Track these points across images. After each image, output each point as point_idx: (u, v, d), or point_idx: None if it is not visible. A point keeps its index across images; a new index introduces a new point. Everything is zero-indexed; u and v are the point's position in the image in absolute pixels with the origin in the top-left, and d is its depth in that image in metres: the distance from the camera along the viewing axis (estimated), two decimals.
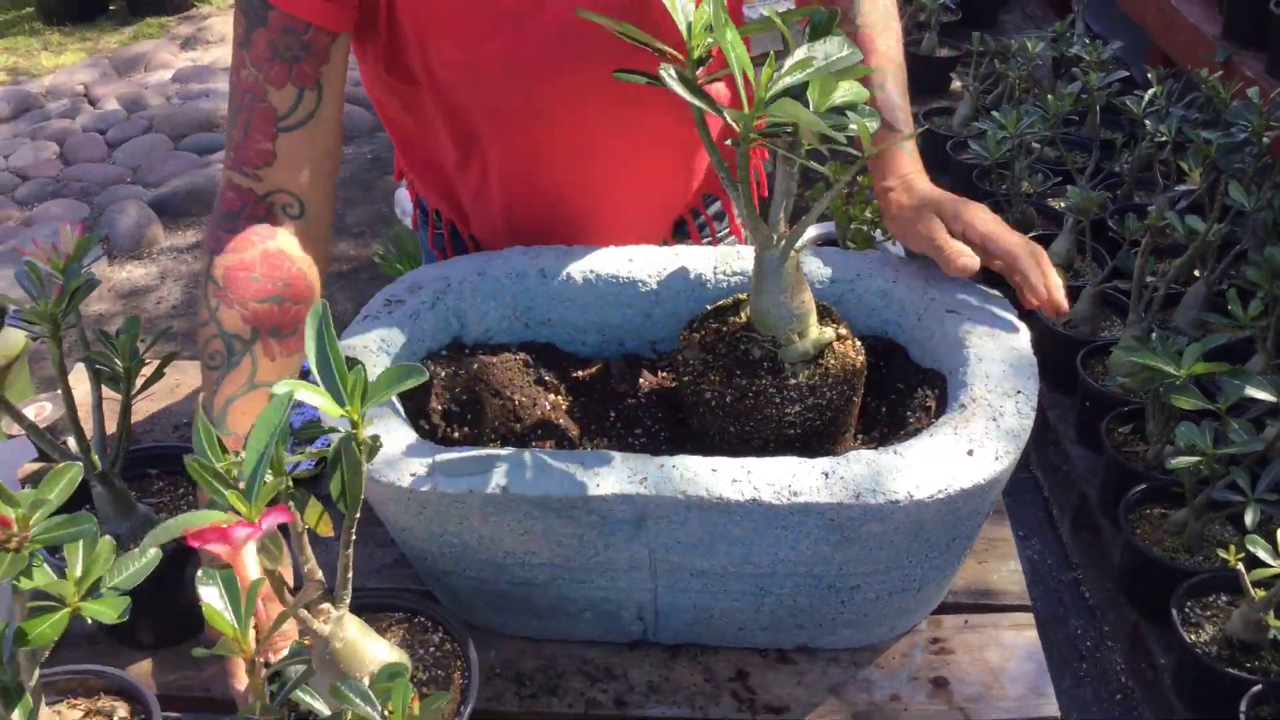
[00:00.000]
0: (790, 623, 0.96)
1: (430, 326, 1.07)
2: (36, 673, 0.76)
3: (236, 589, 0.54)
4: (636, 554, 0.91)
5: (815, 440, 0.95)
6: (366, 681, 0.66)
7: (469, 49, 1.04)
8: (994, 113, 2.57)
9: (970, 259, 0.99)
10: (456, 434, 1.02)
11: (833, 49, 0.82)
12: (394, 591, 0.96)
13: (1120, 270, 2.27)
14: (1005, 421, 0.88)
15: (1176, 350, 1.67)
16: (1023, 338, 0.96)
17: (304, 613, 0.69)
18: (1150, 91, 2.46)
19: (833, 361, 0.94)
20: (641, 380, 1.08)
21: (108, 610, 0.73)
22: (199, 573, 0.59)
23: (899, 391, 1.01)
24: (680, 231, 1.29)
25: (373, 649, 0.77)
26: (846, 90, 0.85)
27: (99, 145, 4.14)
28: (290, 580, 0.78)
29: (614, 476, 0.87)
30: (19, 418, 0.94)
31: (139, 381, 0.98)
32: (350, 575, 0.75)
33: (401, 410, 0.98)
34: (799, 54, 0.81)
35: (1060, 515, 2.28)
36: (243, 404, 0.98)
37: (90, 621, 0.72)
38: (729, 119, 0.80)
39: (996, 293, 1.02)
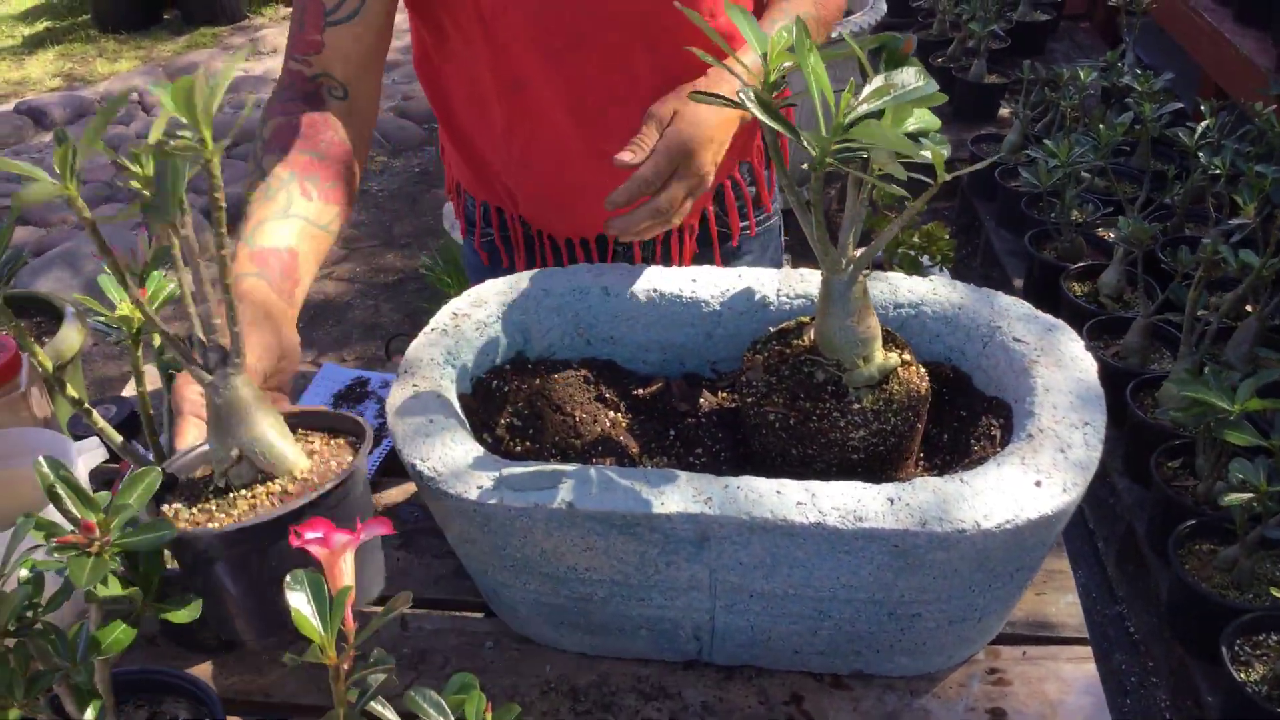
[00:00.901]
0: (847, 648, 0.96)
1: (495, 341, 1.08)
2: (108, 674, 0.78)
3: (324, 595, 0.55)
4: (697, 574, 0.91)
5: (878, 466, 0.95)
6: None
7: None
8: (1045, 141, 2.56)
9: (628, 155, 1.04)
10: (519, 448, 1.03)
11: (909, 78, 0.83)
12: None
13: (1171, 303, 2.26)
14: (1073, 453, 0.88)
15: (1230, 385, 1.66)
16: (1089, 369, 0.96)
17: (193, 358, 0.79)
18: (1203, 124, 2.44)
19: (898, 387, 0.94)
20: (702, 400, 1.09)
21: (181, 612, 0.74)
22: (287, 577, 0.60)
23: (961, 419, 1.01)
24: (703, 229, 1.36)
25: (262, 420, 0.82)
26: (918, 118, 0.86)
27: None
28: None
29: (679, 495, 0.87)
30: (90, 418, 0.96)
31: None
32: (241, 330, 0.79)
33: (467, 423, 0.99)
34: (876, 82, 0.81)
35: (1105, 548, 2.26)
36: (273, 225, 1.04)
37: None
38: (806, 143, 0.81)
39: (1062, 322, 1.01)
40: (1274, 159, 2.31)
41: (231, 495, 0.82)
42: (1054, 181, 2.53)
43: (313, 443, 0.88)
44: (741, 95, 0.81)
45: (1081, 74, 2.81)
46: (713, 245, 1.38)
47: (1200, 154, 2.38)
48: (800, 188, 0.90)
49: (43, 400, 1.16)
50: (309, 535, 0.57)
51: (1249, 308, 2.25)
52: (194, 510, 0.82)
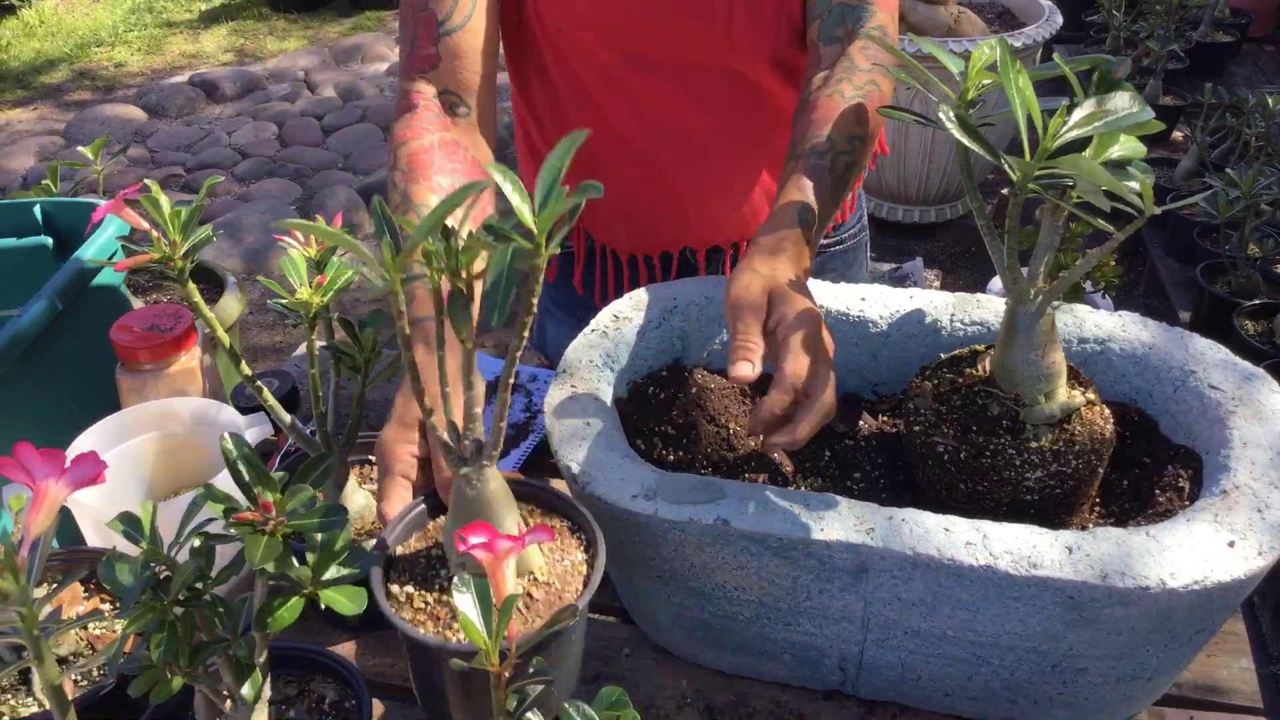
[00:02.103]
0: (1003, 696, 0.92)
1: (654, 346, 1.07)
2: (266, 650, 0.79)
3: (490, 600, 0.54)
4: (850, 605, 0.88)
5: (1051, 509, 0.91)
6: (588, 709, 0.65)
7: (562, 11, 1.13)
8: (1228, 170, 2.42)
9: (748, 367, 0.86)
10: (671, 457, 1.01)
11: (1123, 103, 0.78)
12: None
13: None
14: (1271, 515, 0.82)
15: None
16: None
17: (453, 447, 0.78)
18: None
19: (1080, 428, 0.89)
20: (861, 422, 1.05)
21: (346, 601, 0.75)
22: (454, 579, 0.60)
23: (1144, 466, 0.95)
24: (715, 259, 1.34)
25: (509, 517, 0.82)
26: (1124, 144, 0.81)
27: (314, 130, 4.35)
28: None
29: (840, 523, 0.84)
30: (262, 394, 0.98)
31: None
32: (504, 424, 0.78)
33: (621, 428, 0.98)
34: (1088, 106, 0.77)
35: (1261, 604, 2.13)
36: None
37: None
38: (1008, 166, 0.77)
39: (1262, 371, 0.95)
40: None
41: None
42: (1233, 213, 2.39)
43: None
44: (942, 115, 0.77)
45: (1271, 101, 2.65)
46: None
47: None
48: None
49: (215, 374, 1.20)
50: (473, 539, 0.56)
51: None
52: (429, 599, 0.83)
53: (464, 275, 0.67)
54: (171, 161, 4.13)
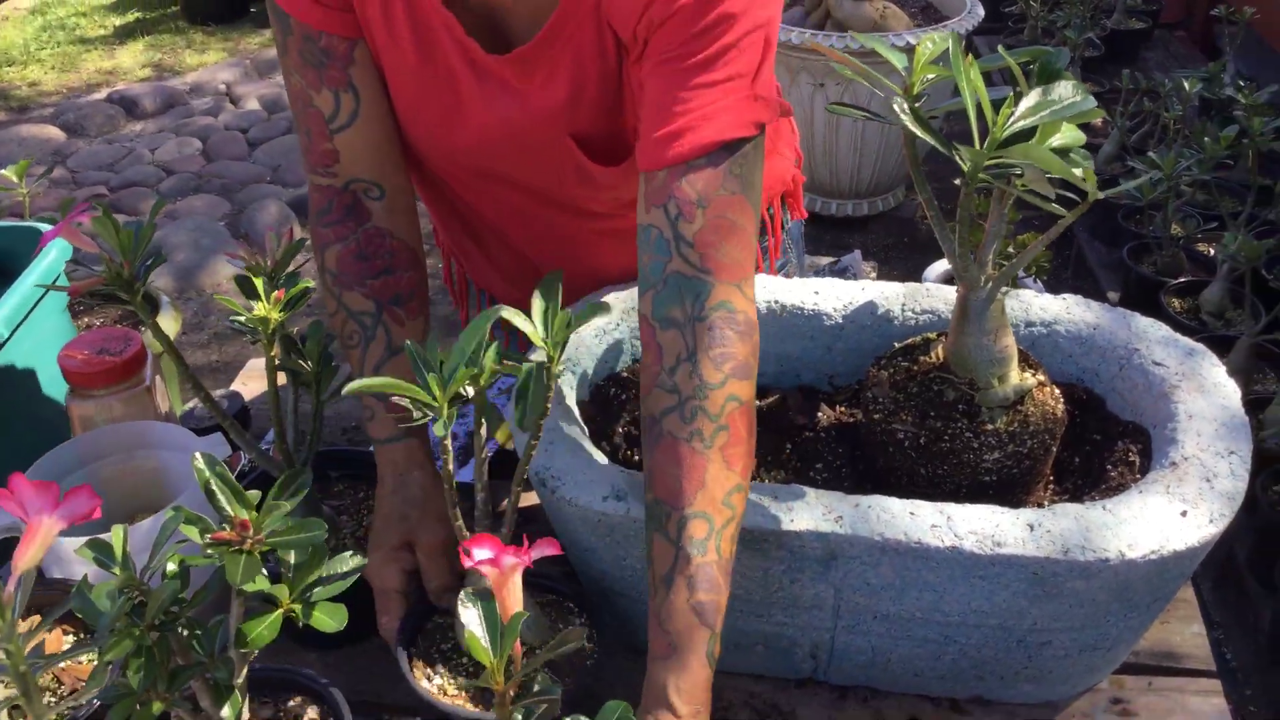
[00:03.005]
0: (970, 674, 0.94)
1: (614, 348, 1.08)
2: (245, 671, 0.78)
3: (496, 619, 0.54)
4: (821, 593, 0.90)
5: (1009, 488, 0.93)
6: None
7: (409, 128, 1.08)
8: (1149, 153, 2.50)
9: None
10: (636, 457, 1.02)
11: (1066, 93, 0.80)
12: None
13: (1277, 321, 2.19)
14: (1220, 483, 0.85)
15: None
16: (1233, 396, 0.93)
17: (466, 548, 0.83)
18: None
19: (1033, 409, 0.92)
20: (820, 414, 1.07)
21: (327, 619, 0.75)
22: (460, 594, 0.60)
23: (1094, 444, 0.99)
24: None
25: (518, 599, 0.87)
26: (1064, 133, 0.84)
27: (240, 144, 4.28)
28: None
29: (808, 513, 0.86)
30: (219, 413, 0.97)
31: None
32: (516, 514, 0.85)
33: (585, 431, 0.99)
34: (1034, 96, 0.79)
35: (1203, 572, 2.20)
36: (389, 369, 1.03)
37: None
38: (959, 156, 0.79)
39: (1203, 347, 0.98)
40: None
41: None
42: (1156, 195, 2.47)
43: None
44: (896, 108, 0.79)
45: (1187, 85, 2.73)
46: None
47: None
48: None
49: (165, 395, 1.18)
50: (479, 554, 0.57)
51: None
52: (459, 680, 0.91)
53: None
54: (94, 181, 4.03)
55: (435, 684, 0.91)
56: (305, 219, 3.74)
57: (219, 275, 3.45)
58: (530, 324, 0.79)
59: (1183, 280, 2.56)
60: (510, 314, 0.79)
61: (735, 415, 0.86)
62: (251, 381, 1.44)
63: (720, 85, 0.88)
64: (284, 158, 4.15)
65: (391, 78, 1.03)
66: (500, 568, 0.56)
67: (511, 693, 0.56)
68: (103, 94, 4.89)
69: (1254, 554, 2.01)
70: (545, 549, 0.60)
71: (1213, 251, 2.59)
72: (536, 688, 0.58)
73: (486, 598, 0.56)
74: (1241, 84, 2.65)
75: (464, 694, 0.90)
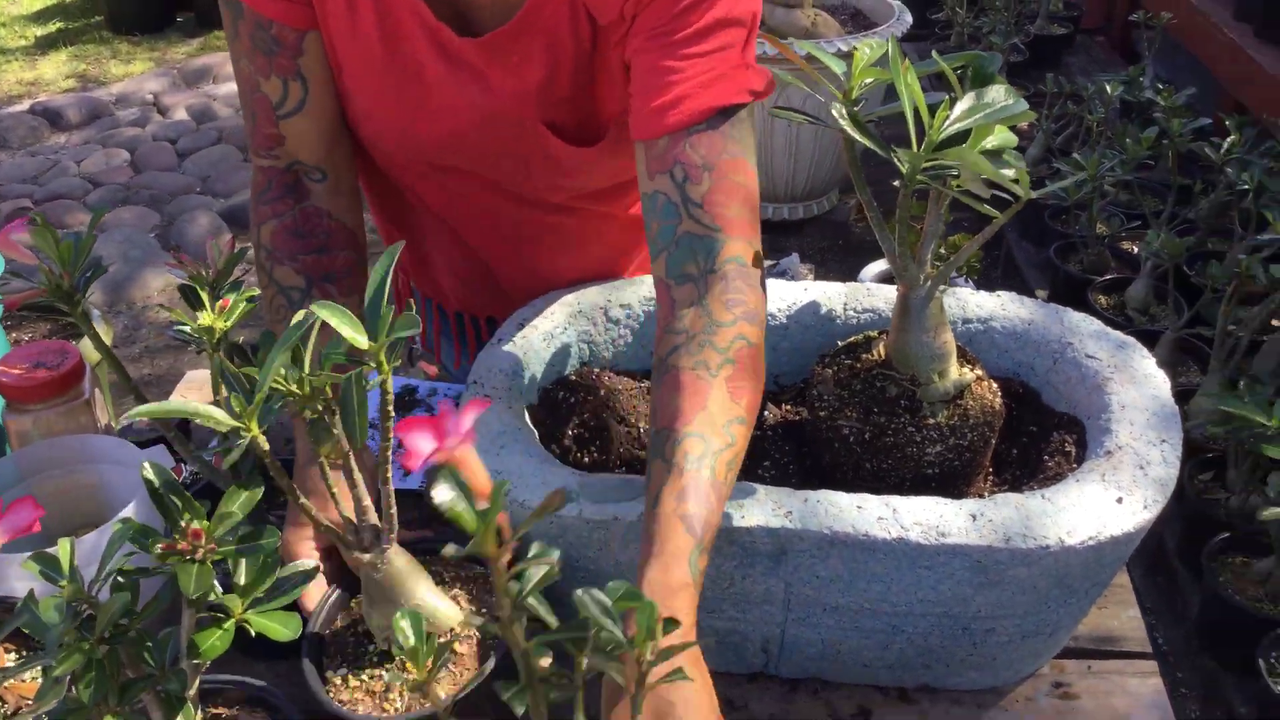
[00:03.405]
0: (917, 662, 0.96)
1: (561, 352, 1.08)
2: (196, 683, 0.78)
3: (467, 485, 0.51)
4: (772, 587, 0.91)
5: (950, 481, 0.96)
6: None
7: (369, 123, 1.08)
8: (1074, 155, 2.57)
9: None
10: (586, 459, 1.03)
11: (999, 96, 0.83)
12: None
13: (1200, 316, 2.26)
14: (1153, 470, 0.88)
15: (1267, 400, 1.66)
16: (1163, 386, 0.96)
17: (350, 540, 0.85)
18: (1229, 140, 2.45)
19: (972, 403, 0.94)
20: (767, 413, 1.09)
21: (279, 627, 0.74)
22: (432, 480, 0.58)
23: (1031, 435, 1.01)
24: None
25: (419, 586, 0.89)
26: (997, 135, 0.86)
27: (169, 154, 4.21)
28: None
29: (758, 509, 0.87)
30: (165, 424, 0.96)
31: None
32: (395, 511, 0.84)
33: (535, 434, 0.99)
34: (968, 100, 0.82)
35: (1132, 560, 2.26)
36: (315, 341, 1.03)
37: None
38: (897, 159, 0.81)
39: (1133, 340, 1.02)
40: None
41: (399, 659, 0.89)
42: (1081, 195, 2.54)
43: (452, 588, 0.97)
44: (834, 112, 0.81)
45: (1109, 88, 2.81)
46: None
47: (1228, 170, 2.39)
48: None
49: (105, 408, 1.16)
50: (418, 441, 0.53)
51: (1275, 322, 2.25)
52: (363, 678, 0.90)
53: (319, 404, 0.75)
54: (17, 194, 3.93)
55: (339, 675, 0.91)
56: (237, 229, 3.70)
57: (150, 288, 3.39)
58: (349, 326, 0.70)
59: (1108, 278, 2.63)
60: (328, 312, 0.70)
61: (743, 353, 0.87)
62: (191, 393, 1.43)
63: (712, 55, 0.92)
64: (214, 168, 4.09)
65: (352, 71, 1.04)
66: (448, 449, 0.54)
67: (505, 560, 0.54)
68: (25, 105, 4.77)
69: (1182, 541, 2.07)
70: (476, 410, 0.57)
71: (1136, 249, 2.67)
72: (532, 552, 0.56)
73: (454, 470, 0.53)
74: (1160, 87, 2.74)
75: (365, 685, 0.90)
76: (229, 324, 0.88)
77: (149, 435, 1.22)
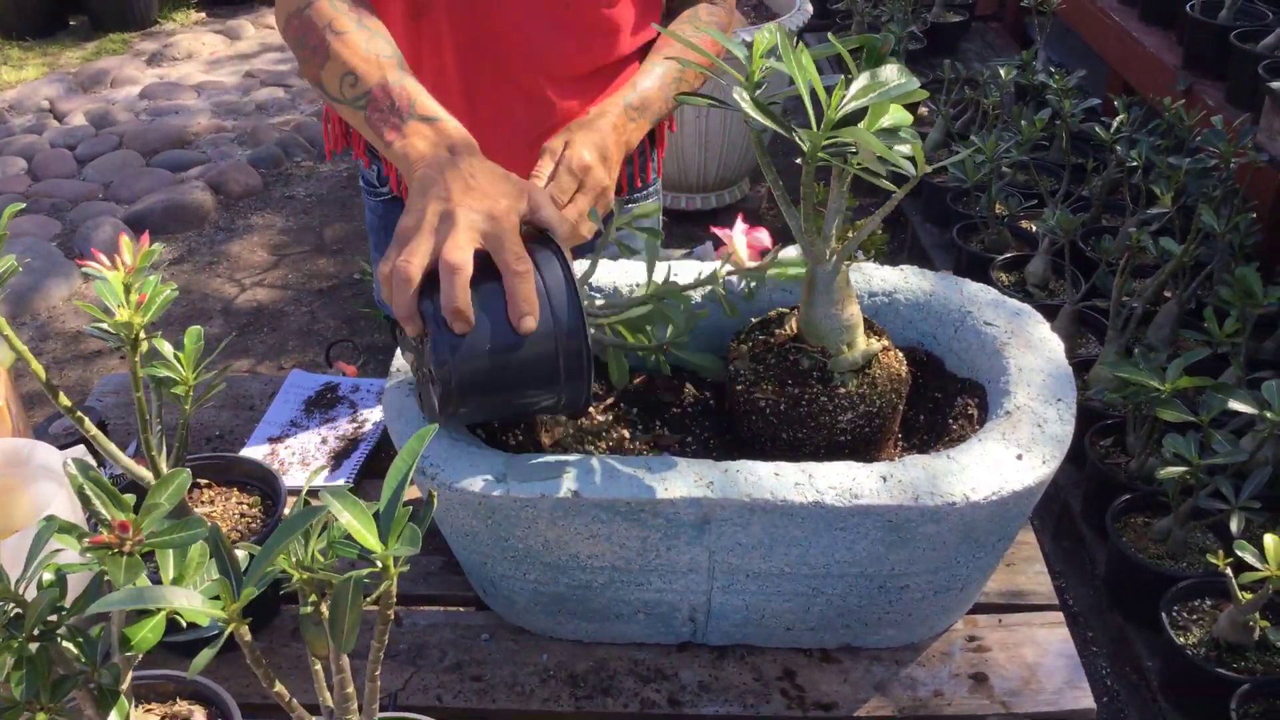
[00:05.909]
0: (838, 623, 1.00)
1: None
2: (129, 677, 0.78)
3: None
4: (697, 556, 0.94)
5: (862, 446, 1.00)
6: None
7: None
8: (972, 138, 2.65)
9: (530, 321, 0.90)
10: (512, 441, 1.05)
11: (892, 75, 0.87)
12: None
13: (1094, 290, 2.36)
14: (1049, 428, 0.93)
15: (1159, 366, 1.75)
16: (1058, 349, 1.02)
17: None
18: (1118, 119, 2.56)
19: (880, 371, 0.98)
20: (685, 390, 1.12)
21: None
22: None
23: (936, 401, 1.06)
24: None
25: None
26: (893, 114, 0.90)
27: (68, 161, 4.10)
28: None
29: (681, 481, 0.90)
30: (84, 425, 0.95)
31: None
32: (376, 706, 0.74)
33: None
34: (863, 79, 0.86)
35: (1042, 525, 2.35)
36: (357, 33, 1.11)
37: None
38: (800, 139, 0.85)
39: (1028, 307, 1.07)
40: (1183, 151, 2.43)
41: None
42: (980, 176, 2.62)
43: None
44: (737, 96, 0.84)
45: (1003, 73, 2.91)
46: None
47: (1118, 148, 2.49)
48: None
49: (20, 414, 1.14)
50: (760, 237, 0.62)
51: (1166, 293, 2.36)
52: None
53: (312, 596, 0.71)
54: None
55: None
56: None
57: (54, 298, 3.30)
58: (358, 517, 0.63)
59: (1009, 255, 2.73)
60: (335, 505, 0.63)
61: (706, 40, 1.26)
62: (106, 397, 1.41)
63: None
64: (116, 174, 3.99)
65: None
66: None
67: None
68: None
69: (1087, 505, 2.16)
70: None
71: (1034, 228, 2.77)
72: None
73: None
74: (1053, 70, 2.84)
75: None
76: (147, 318, 0.88)
77: (68, 439, 1.21)
